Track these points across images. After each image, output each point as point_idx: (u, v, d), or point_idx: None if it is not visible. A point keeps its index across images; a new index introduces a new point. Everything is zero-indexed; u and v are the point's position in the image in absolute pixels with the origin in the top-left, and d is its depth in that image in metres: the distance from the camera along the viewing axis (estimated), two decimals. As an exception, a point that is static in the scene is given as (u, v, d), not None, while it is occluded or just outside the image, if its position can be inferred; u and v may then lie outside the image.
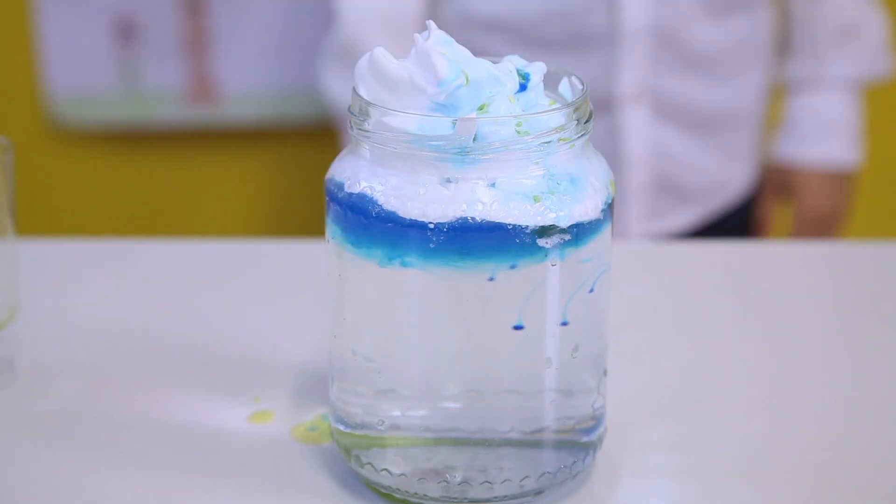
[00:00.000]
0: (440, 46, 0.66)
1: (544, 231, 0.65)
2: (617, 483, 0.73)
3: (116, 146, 1.96)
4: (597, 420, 0.72)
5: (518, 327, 0.66)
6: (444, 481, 0.68)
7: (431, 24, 0.67)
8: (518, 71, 0.67)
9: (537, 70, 0.68)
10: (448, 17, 1.45)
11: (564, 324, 0.67)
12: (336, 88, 1.48)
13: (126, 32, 1.87)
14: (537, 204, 0.64)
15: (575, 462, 0.70)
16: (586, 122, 0.67)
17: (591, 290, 0.68)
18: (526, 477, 0.69)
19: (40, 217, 1.97)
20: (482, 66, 0.66)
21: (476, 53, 0.67)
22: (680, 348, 0.90)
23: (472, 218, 0.64)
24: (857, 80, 1.55)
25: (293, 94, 1.88)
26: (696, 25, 1.44)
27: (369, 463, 0.70)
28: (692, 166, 1.49)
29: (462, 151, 0.64)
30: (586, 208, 0.66)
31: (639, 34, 1.41)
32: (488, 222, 0.64)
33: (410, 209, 0.65)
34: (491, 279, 0.65)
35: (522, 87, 0.67)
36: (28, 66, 1.90)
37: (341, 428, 0.72)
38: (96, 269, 1.03)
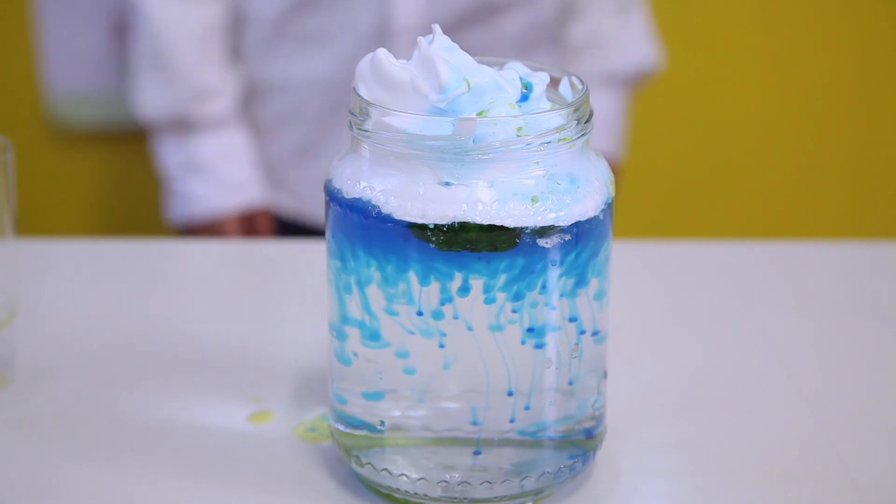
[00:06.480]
0: (444, 52, 0.65)
1: (544, 231, 0.65)
2: (617, 483, 0.73)
3: (116, 146, 1.96)
4: (597, 420, 0.72)
5: (531, 329, 0.66)
6: (444, 481, 0.68)
7: (436, 27, 0.67)
8: (521, 80, 0.67)
9: (540, 80, 0.68)
10: (252, 29, 1.44)
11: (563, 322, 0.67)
12: (148, 96, 1.43)
13: (126, 32, 1.87)
14: (536, 204, 0.64)
15: (575, 462, 0.70)
16: (586, 121, 0.67)
17: (591, 290, 0.68)
18: (526, 477, 0.69)
19: (40, 217, 1.97)
20: (485, 72, 0.66)
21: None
22: (680, 348, 0.90)
23: (472, 218, 0.64)
24: (613, 75, 1.50)
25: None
26: (462, 28, 1.41)
27: (369, 463, 0.70)
28: None
29: (462, 152, 0.64)
30: (586, 208, 0.66)
31: (409, 32, 1.38)
32: (488, 223, 0.64)
33: (410, 209, 0.64)
34: (490, 279, 0.65)
35: (524, 97, 0.67)
36: (28, 66, 1.90)
37: (341, 428, 0.72)
38: (96, 269, 1.03)
